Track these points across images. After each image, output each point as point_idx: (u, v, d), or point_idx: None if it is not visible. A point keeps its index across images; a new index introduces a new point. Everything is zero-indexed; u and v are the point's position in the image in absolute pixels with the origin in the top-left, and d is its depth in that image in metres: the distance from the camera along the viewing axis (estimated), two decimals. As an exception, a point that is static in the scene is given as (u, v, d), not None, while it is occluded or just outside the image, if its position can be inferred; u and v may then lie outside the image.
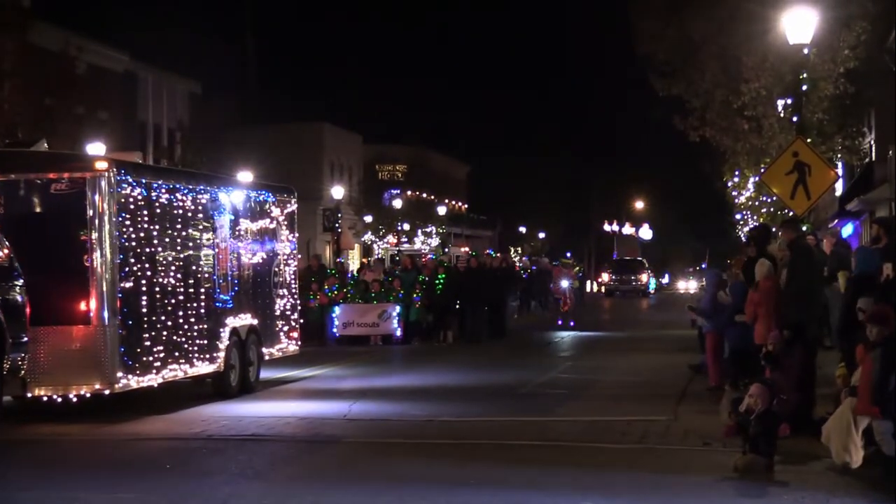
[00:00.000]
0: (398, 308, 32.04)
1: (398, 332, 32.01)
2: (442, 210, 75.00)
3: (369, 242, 66.00)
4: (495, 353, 29.41)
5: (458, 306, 32.89)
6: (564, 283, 44.76)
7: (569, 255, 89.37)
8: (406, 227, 68.57)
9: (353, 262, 60.27)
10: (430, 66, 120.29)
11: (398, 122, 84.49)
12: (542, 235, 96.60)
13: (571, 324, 39.11)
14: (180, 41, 49.01)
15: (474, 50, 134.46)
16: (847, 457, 12.68)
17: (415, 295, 32.33)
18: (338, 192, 58.79)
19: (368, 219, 65.78)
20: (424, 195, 76.06)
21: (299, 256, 24.72)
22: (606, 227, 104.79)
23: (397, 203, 68.63)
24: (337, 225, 54.28)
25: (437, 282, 32.93)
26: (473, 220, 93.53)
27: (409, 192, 73.38)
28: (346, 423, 17.03)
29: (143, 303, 17.51)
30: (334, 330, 32.10)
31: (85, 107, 41.16)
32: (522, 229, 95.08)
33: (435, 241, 72.50)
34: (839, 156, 34.59)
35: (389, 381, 22.84)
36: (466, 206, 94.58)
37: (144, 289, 17.56)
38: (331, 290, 32.48)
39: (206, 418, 17.43)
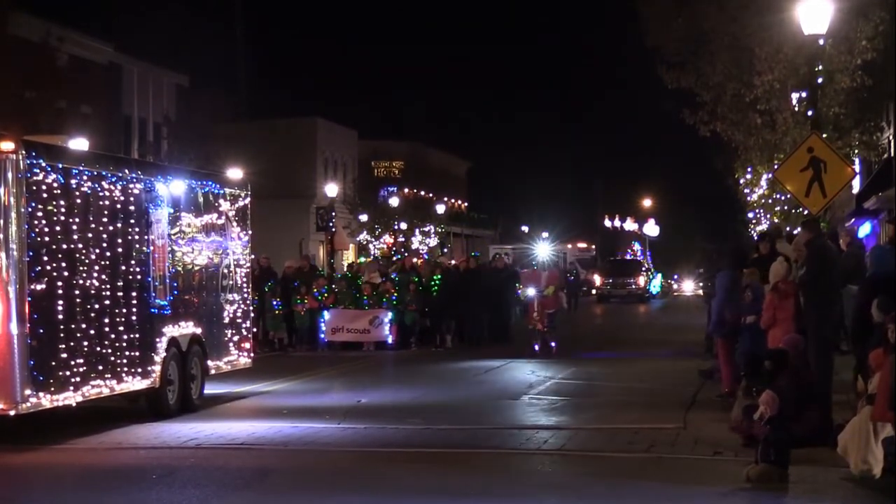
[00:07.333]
0: (390, 314, 30.97)
1: (390, 340, 30.94)
2: (441, 208, 74.00)
3: (364, 242, 65.01)
4: (495, 357, 28.28)
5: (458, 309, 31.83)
6: (530, 292, 30.56)
7: None
8: (403, 226, 67.54)
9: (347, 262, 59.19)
10: (428, 59, 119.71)
11: (395, 116, 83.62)
12: (545, 234, 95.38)
13: (539, 347, 29.19)
14: (167, 32, 47.89)
15: (473, 41, 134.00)
16: (866, 466, 12.45)
17: (407, 297, 31.29)
18: (332, 189, 58.43)
19: (364, 217, 64.80)
20: (422, 193, 75.12)
21: (252, 257, 23.05)
22: (607, 223, 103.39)
23: (394, 201, 67.74)
24: (331, 224, 53.34)
25: (433, 284, 32.08)
26: (474, 219, 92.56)
27: (406, 190, 72.81)
28: (301, 448, 15.40)
29: (59, 308, 15.58)
30: (322, 335, 31.09)
31: (67, 100, 40.59)
32: (525, 228, 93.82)
33: (433, 241, 71.40)
34: (856, 151, 34.06)
35: (370, 396, 20.83)
36: (466, 204, 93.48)
37: (61, 292, 15.63)
38: (320, 294, 31.43)
39: (130, 441, 15.83)
